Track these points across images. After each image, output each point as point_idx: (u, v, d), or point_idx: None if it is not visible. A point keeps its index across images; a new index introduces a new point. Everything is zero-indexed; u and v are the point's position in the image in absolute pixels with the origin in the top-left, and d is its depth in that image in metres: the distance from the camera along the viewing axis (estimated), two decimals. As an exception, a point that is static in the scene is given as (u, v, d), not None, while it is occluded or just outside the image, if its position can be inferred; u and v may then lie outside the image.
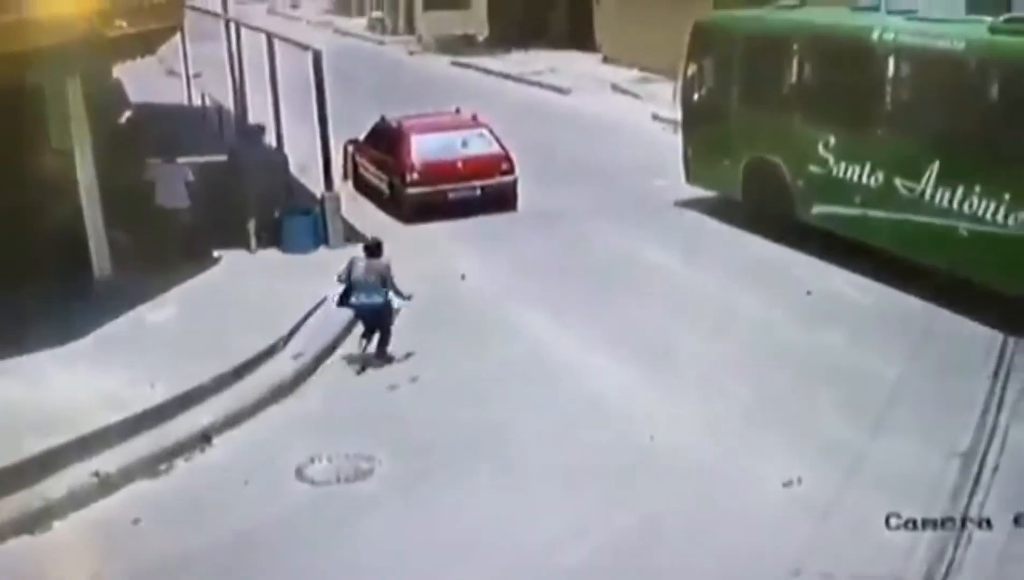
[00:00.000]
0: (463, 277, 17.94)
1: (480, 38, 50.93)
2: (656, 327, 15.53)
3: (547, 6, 47.86)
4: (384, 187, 22.28)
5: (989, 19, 15.80)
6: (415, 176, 21.32)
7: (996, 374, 13.29)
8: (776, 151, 18.79)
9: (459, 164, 21.51)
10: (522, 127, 27.07)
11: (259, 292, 16.81)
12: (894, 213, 16.46)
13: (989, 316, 14.68)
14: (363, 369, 14.71)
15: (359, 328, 15.04)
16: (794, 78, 18.45)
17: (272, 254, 18.90)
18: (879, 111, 16.86)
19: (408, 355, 14.85)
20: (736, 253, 18.59)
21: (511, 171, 21.79)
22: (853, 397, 12.99)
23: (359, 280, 14.74)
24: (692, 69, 20.81)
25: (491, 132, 22.25)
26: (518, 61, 43.41)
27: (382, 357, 14.80)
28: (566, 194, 22.55)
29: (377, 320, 14.79)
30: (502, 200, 21.54)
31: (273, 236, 19.08)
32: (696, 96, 20.83)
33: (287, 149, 22.10)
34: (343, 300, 14.88)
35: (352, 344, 15.20)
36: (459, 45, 49.51)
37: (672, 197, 21.53)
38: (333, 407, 13.78)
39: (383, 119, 23.37)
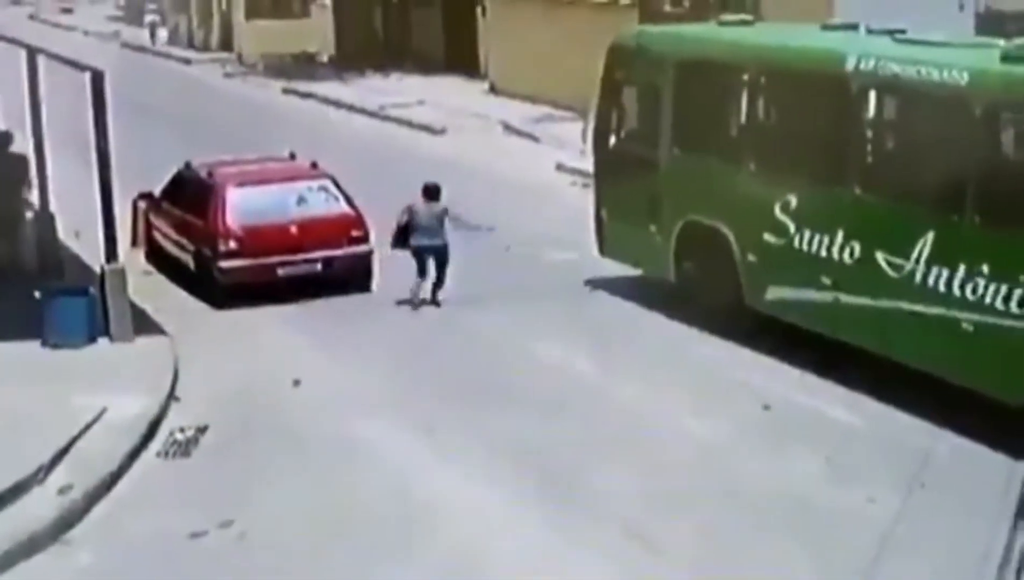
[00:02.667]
0: (297, 383, 17.79)
1: (324, 58, 51.16)
2: (561, 452, 15.45)
3: (414, 18, 48.30)
4: (188, 259, 22.08)
5: (1003, 43, 16.14)
6: (232, 245, 21.17)
7: (1018, 515, 13.41)
8: (720, 214, 19.08)
9: (293, 229, 21.43)
10: (380, 180, 27.10)
11: (11, 401, 16.47)
12: (874, 300, 16.73)
13: (1007, 439, 14.86)
14: (417, 308, 20.62)
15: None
16: (744, 117, 18.91)
17: (31, 348, 18.57)
18: (856, 163, 17.26)
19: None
20: (668, 353, 18.69)
21: (364, 238, 21.75)
22: (832, 549, 12.99)
23: (422, 223, 20.67)
24: (609, 103, 21.21)
25: (337, 185, 22.23)
26: (375, 89, 43.63)
27: (436, 300, 20.85)
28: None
29: (440, 261, 20.80)
30: (352, 278, 21.53)
31: (32, 323, 18.78)
32: (614, 140, 21.22)
33: (54, 205, 21.79)
34: (401, 242, 20.69)
35: (141, 471, 15.00)
36: (295, 67, 49.73)
37: (582, 275, 21.64)
38: (112, 563, 13.42)
39: (188, 166, 23.22)
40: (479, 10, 43.28)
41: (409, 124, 37.56)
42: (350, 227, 21.72)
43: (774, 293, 18.28)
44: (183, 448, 15.95)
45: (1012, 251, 15.06)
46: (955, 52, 16.64)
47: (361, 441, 16.00)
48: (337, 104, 41.66)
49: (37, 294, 19.03)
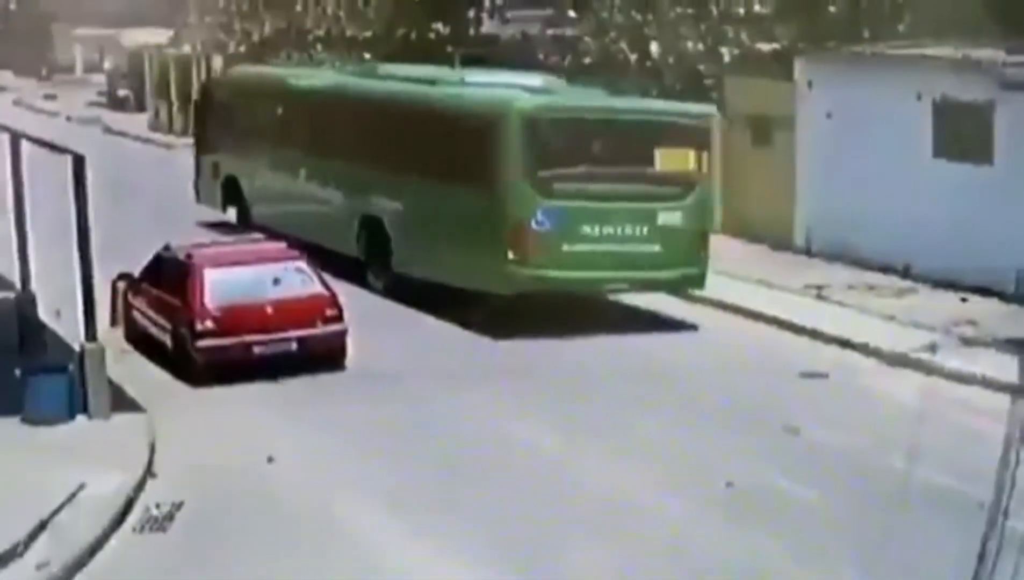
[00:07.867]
0: (271, 460, 17.74)
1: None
2: (528, 526, 15.43)
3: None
4: (166, 338, 22.07)
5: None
6: (208, 324, 21.17)
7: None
8: (239, 170, 34.06)
9: (268, 309, 21.47)
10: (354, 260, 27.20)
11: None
12: (290, 206, 31.22)
13: (959, 515, 14.92)
14: None
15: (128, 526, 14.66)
16: (249, 115, 33.49)
17: (10, 423, 18.51)
18: (282, 134, 31.86)
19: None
20: (652, 435, 18.75)
21: (338, 318, 21.79)
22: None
23: None
24: (200, 113, 37.32)
25: (311, 266, 22.30)
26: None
27: None
28: (412, 348, 22.58)
29: None
30: (326, 356, 21.55)
31: (12, 399, 18.73)
32: (202, 133, 36.76)
33: (34, 285, 21.78)
34: None
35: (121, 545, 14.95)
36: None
37: (580, 359, 21.73)
38: (88, 637, 13.41)
39: (167, 248, 23.24)
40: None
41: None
42: (324, 307, 21.76)
43: (257, 210, 33.02)
44: (159, 523, 15.85)
45: (328, 169, 29.82)
46: (318, 71, 34.92)
47: (335, 517, 15.95)
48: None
49: (17, 371, 19.02)
